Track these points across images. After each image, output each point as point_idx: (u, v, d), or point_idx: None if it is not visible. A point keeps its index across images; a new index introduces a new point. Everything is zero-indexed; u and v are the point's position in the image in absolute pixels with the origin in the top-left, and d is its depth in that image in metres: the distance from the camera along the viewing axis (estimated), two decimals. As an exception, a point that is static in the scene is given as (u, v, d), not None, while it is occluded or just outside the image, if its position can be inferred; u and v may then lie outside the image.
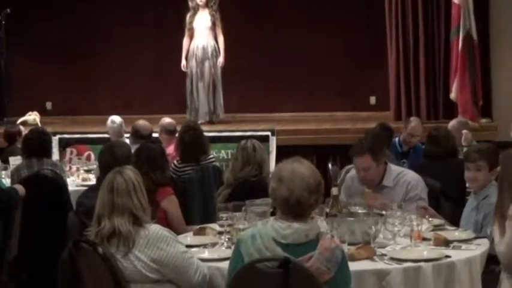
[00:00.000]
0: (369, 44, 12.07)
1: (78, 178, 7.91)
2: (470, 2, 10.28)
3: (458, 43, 10.25)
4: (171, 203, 5.71)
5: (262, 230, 3.89)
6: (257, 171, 5.92)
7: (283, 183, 3.81)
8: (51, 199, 6.69)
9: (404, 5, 11.16)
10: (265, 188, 4.30)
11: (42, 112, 11.83)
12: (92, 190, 5.46)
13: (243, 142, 6.10)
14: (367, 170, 5.57)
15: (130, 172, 4.40)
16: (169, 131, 8.50)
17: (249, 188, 5.73)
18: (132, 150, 6.03)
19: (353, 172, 5.82)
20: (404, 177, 5.67)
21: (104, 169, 5.41)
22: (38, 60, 12.93)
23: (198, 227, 5.28)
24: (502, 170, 4.97)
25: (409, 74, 11.19)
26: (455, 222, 5.44)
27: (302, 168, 3.84)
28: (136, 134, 8.26)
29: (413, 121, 8.90)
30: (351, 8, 12.28)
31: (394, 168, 5.76)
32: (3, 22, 11.92)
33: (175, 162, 7.37)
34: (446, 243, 4.67)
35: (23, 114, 11.22)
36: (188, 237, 4.99)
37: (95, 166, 7.70)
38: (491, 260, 4.75)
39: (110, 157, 5.59)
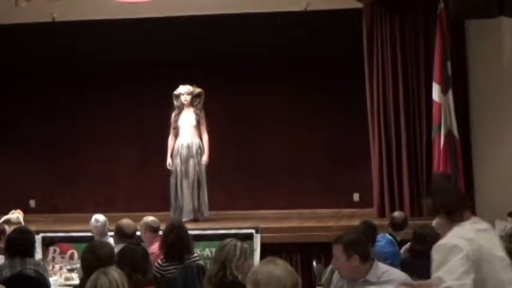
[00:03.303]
0: (351, 142, 12.17)
1: (61, 277, 7.85)
2: (450, 100, 10.40)
3: (440, 140, 10.34)
4: (154, 304, 5.66)
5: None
6: (237, 271, 5.93)
7: (259, 287, 3.75)
8: (33, 300, 6.62)
9: (386, 104, 11.26)
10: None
11: (26, 210, 11.77)
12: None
13: (223, 242, 6.14)
14: (336, 259, 5.61)
15: (115, 273, 4.37)
16: (153, 229, 8.45)
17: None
18: (116, 249, 6.00)
19: None
20: (392, 275, 5.65)
21: (87, 270, 5.37)
22: (22, 158, 12.95)
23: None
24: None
25: (392, 171, 11.22)
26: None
27: (278, 270, 3.73)
28: (121, 233, 8.19)
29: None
30: (333, 107, 12.43)
31: (381, 266, 5.76)
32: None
33: (159, 261, 7.32)
34: None
35: (6, 212, 11.17)
36: None
37: (78, 265, 7.63)
38: None
39: (93, 258, 5.54)
